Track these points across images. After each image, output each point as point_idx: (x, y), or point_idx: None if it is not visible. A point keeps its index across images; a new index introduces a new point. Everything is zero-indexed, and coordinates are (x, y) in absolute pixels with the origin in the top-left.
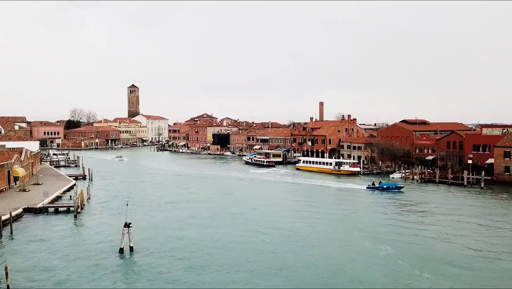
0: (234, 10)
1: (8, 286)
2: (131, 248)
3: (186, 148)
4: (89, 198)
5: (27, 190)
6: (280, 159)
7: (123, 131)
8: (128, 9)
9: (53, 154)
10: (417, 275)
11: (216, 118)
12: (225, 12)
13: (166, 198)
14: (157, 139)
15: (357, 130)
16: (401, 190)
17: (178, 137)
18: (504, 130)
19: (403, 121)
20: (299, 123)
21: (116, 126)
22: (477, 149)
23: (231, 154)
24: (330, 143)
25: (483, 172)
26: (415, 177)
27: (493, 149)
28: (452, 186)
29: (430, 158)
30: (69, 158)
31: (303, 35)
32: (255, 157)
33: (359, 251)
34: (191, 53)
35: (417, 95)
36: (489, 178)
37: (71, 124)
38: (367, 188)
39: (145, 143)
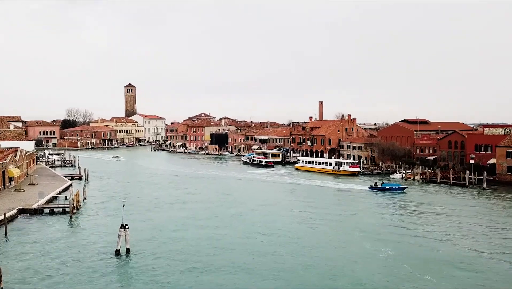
0: (234, 10)
1: (1, 288)
2: (127, 250)
3: (184, 148)
4: (85, 198)
5: (22, 191)
6: (279, 159)
7: (119, 131)
8: (127, 9)
9: (49, 154)
10: (418, 277)
11: (214, 118)
12: (225, 12)
13: (163, 199)
14: (154, 139)
15: (357, 130)
16: (404, 190)
17: (176, 137)
18: (506, 130)
19: (404, 120)
20: (298, 123)
21: (112, 126)
22: (479, 149)
23: (229, 154)
24: (329, 143)
25: (485, 172)
26: (416, 177)
27: (495, 149)
28: (454, 186)
29: (431, 158)
30: (65, 158)
31: (303, 35)
32: (253, 156)
33: (359, 252)
34: (190, 53)
35: (417, 95)
36: (491, 178)
37: (67, 124)
38: (369, 188)
39: (142, 143)
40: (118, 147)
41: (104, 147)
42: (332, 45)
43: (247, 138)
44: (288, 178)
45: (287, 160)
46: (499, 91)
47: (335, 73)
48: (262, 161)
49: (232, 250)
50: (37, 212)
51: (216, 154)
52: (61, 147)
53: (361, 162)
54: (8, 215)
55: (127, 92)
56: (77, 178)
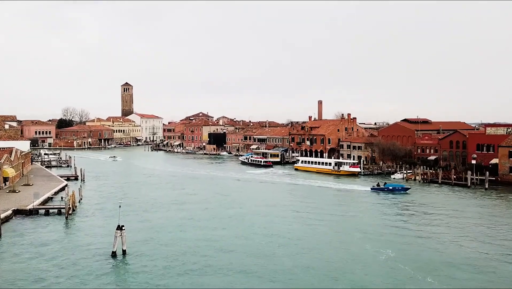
0: (233, 9)
1: None
2: (124, 252)
3: (181, 148)
4: (81, 199)
5: (17, 191)
6: (278, 159)
7: (116, 130)
8: (123, 7)
9: (45, 154)
10: (419, 280)
11: (212, 117)
12: (223, 11)
13: (161, 199)
14: (152, 139)
15: (357, 129)
16: (407, 191)
17: (173, 137)
18: (508, 130)
19: (405, 120)
20: (297, 122)
21: (109, 126)
22: (481, 149)
23: (227, 153)
24: (329, 143)
25: (487, 172)
26: (417, 177)
27: (498, 149)
28: (456, 186)
29: (432, 158)
30: (60, 158)
31: (303, 34)
32: (251, 156)
33: (360, 254)
34: (187, 51)
35: (417, 95)
36: (494, 178)
37: (63, 124)
38: (371, 189)
39: (139, 143)
40: (115, 146)
41: (100, 146)
42: (332, 44)
43: (245, 138)
44: (287, 178)
45: (286, 160)
46: (499, 91)
47: (335, 73)
48: (261, 161)
49: (230, 251)
50: (32, 213)
51: (214, 154)
52: (57, 147)
53: (361, 162)
54: (2, 216)
55: (124, 91)
56: (73, 178)
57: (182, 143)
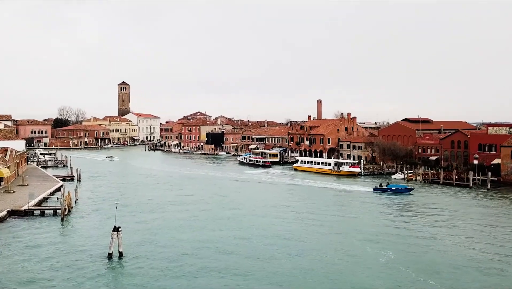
0: (233, 9)
1: None
2: (120, 253)
3: (179, 148)
4: (76, 199)
5: (12, 192)
6: (276, 159)
7: (113, 130)
8: (121, 6)
9: (40, 154)
10: (421, 282)
11: (210, 116)
12: (223, 11)
13: (158, 200)
14: (149, 139)
15: (357, 129)
16: (410, 192)
17: (171, 137)
18: (511, 129)
19: (405, 119)
20: (296, 122)
21: (106, 125)
22: (483, 149)
23: (225, 153)
24: (329, 142)
25: (490, 172)
26: (418, 177)
27: (500, 149)
28: (457, 187)
29: (433, 158)
30: (56, 158)
31: (303, 34)
32: (250, 156)
33: (360, 255)
34: (185, 50)
35: (417, 95)
36: (496, 178)
37: (59, 123)
38: (374, 189)
39: (136, 142)
40: (112, 146)
41: (97, 146)
42: (332, 44)
43: (244, 138)
44: (286, 179)
45: (285, 160)
46: (500, 91)
47: (335, 73)
48: (259, 161)
49: (228, 253)
50: (27, 213)
51: (212, 154)
52: (53, 147)
53: (361, 162)
54: None
55: (121, 90)
56: (69, 178)
57: (180, 143)
